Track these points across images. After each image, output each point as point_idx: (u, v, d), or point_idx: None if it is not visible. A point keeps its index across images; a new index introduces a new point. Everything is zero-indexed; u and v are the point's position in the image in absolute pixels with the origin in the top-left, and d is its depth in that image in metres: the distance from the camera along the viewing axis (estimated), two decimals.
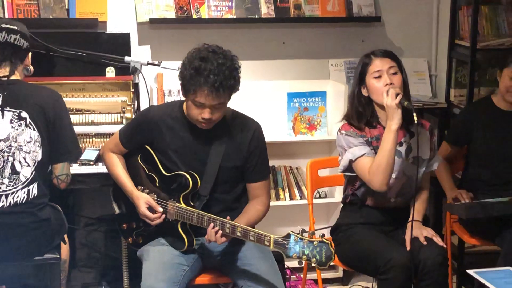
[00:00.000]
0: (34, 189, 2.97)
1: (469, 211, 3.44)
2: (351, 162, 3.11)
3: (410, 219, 3.14)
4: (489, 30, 4.16)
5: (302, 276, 3.83)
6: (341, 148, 3.17)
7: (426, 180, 3.30)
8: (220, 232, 2.79)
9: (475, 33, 4.02)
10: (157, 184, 3.05)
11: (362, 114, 3.16)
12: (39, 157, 2.98)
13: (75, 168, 3.38)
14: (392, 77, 3.08)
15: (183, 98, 3.03)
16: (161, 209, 2.97)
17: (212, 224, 2.80)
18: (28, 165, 2.96)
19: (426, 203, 3.30)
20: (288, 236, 2.61)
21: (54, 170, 3.08)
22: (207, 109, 2.84)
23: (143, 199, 3.00)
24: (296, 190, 4.16)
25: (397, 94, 2.99)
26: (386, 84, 3.06)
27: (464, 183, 3.77)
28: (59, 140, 3.04)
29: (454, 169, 3.85)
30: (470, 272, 3.07)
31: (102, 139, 3.64)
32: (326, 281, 3.91)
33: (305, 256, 2.57)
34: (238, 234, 2.75)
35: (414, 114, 2.96)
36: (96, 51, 3.84)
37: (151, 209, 2.98)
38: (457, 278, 4.07)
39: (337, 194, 4.12)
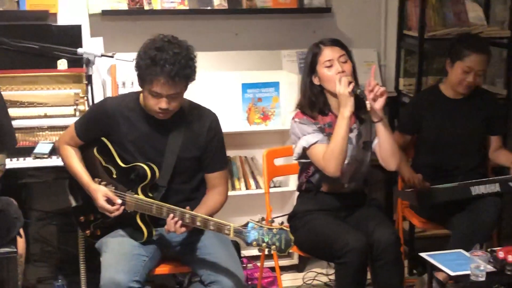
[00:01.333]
0: None
1: (419, 198, 3.53)
2: (305, 149, 3.16)
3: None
4: (436, 21, 4.25)
5: (258, 264, 3.88)
6: (295, 136, 3.22)
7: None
8: (180, 222, 2.81)
9: (423, 24, 4.11)
10: (114, 176, 3.04)
11: (314, 103, 3.21)
12: None
13: (28, 162, 3.36)
14: (343, 65, 3.14)
15: (137, 90, 3.03)
16: (119, 201, 2.97)
17: (171, 215, 2.82)
18: None
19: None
20: (247, 224, 2.64)
21: None
22: (164, 99, 2.85)
23: (100, 192, 2.99)
24: (251, 180, 4.19)
25: (349, 82, 3.06)
26: (338, 72, 3.12)
27: (414, 169, 3.85)
28: None
29: (406, 156, 3.93)
30: (423, 255, 3.17)
31: (56, 132, 3.61)
32: (282, 268, 3.95)
33: (265, 244, 2.61)
34: (198, 223, 2.78)
35: (367, 102, 3.02)
36: (47, 44, 3.79)
37: (109, 201, 2.98)
38: (409, 262, 4.17)
39: (291, 183, 4.17)
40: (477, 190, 3.50)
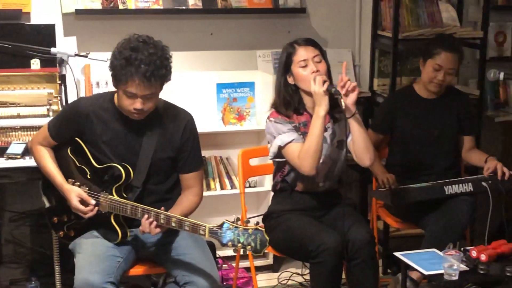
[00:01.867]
0: None
1: (393, 197, 3.55)
2: (280, 148, 3.17)
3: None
4: (410, 21, 4.29)
5: (233, 265, 3.88)
6: (270, 135, 3.22)
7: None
8: (155, 223, 2.80)
9: (397, 24, 4.14)
10: (88, 177, 3.02)
11: (289, 102, 3.22)
12: None
13: (1, 162, 3.32)
14: (318, 65, 3.16)
15: (111, 90, 3.01)
16: (93, 202, 2.95)
17: (146, 215, 2.81)
18: None
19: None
20: (222, 225, 2.64)
21: None
22: (139, 99, 2.83)
23: (74, 192, 2.97)
24: (226, 180, 4.19)
25: (324, 81, 3.07)
26: (313, 72, 3.13)
27: (388, 169, 3.88)
28: None
29: (379, 156, 3.95)
30: (397, 254, 3.20)
31: (29, 132, 3.58)
32: (257, 268, 3.95)
33: (240, 244, 2.61)
34: (173, 224, 2.77)
35: (342, 101, 3.04)
36: (20, 43, 3.76)
37: (83, 202, 2.96)
38: (383, 262, 4.20)
39: (267, 183, 4.18)
40: (450, 189, 3.54)
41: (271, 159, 3.27)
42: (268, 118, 3.24)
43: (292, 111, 3.22)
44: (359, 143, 3.15)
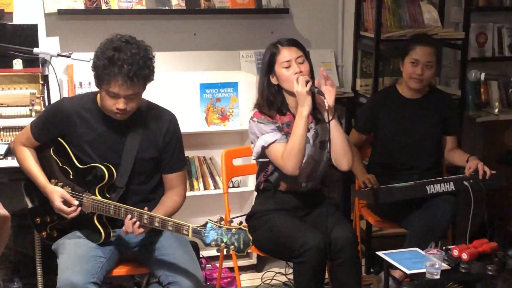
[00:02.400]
0: None
1: (376, 196, 3.57)
2: (263, 148, 3.18)
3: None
4: (392, 22, 4.31)
5: (217, 264, 3.88)
6: (253, 136, 3.23)
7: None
8: (138, 223, 2.80)
9: (379, 25, 4.15)
10: (71, 177, 3.01)
11: (272, 102, 3.23)
12: None
13: None
14: (301, 66, 3.17)
15: (94, 90, 3.01)
16: (76, 202, 2.94)
17: (129, 216, 2.80)
18: None
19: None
20: (206, 224, 2.64)
21: None
22: (121, 99, 2.83)
23: (57, 193, 2.96)
24: (210, 180, 4.19)
25: (307, 82, 3.08)
26: (296, 73, 3.14)
27: (370, 168, 3.90)
28: None
29: (362, 155, 3.97)
30: (380, 253, 3.22)
31: (11, 133, 3.58)
32: (240, 268, 3.95)
33: (223, 244, 2.61)
34: (157, 224, 2.77)
35: (326, 101, 3.05)
36: (3, 43, 3.74)
37: (66, 202, 2.95)
38: (366, 261, 4.22)
39: (250, 183, 4.19)
40: (432, 189, 3.56)
41: (254, 159, 3.28)
42: (251, 118, 3.25)
43: (275, 111, 3.23)
44: (337, 147, 3.18)
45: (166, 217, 2.77)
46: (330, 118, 3.11)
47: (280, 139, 3.16)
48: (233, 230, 2.61)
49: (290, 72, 3.16)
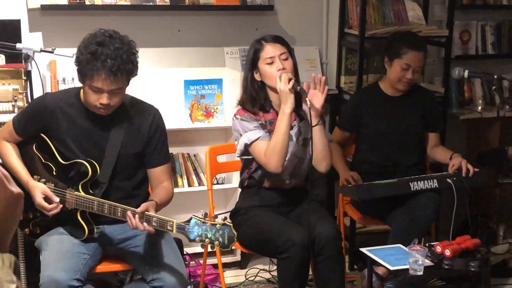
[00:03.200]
0: None
1: (360, 193, 3.58)
2: (246, 146, 3.18)
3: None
4: (377, 19, 4.33)
5: (201, 261, 3.87)
6: (236, 133, 3.23)
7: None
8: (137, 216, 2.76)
9: (363, 22, 4.16)
10: (54, 173, 3.00)
11: (255, 98, 3.23)
12: None
13: None
14: (284, 63, 3.17)
15: (77, 86, 2.99)
16: (57, 199, 2.92)
17: (129, 213, 2.76)
18: None
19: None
20: (190, 220, 2.63)
21: None
22: (105, 94, 2.81)
23: (39, 189, 2.94)
24: (194, 177, 4.18)
25: (289, 79, 3.08)
26: (279, 69, 3.15)
27: (354, 166, 3.92)
28: None
29: (345, 153, 3.98)
30: (363, 250, 3.23)
31: None
32: (224, 265, 3.95)
33: (208, 239, 2.60)
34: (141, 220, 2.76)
35: (307, 99, 3.06)
36: None
37: (47, 199, 2.93)
38: (349, 258, 4.23)
39: (235, 179, 4.18)
40: (416, 186, 3.57)
41: (238, 156, 3.28)
42: (234, 115, 3.25)
43: (258, 108, 3.23)
44: (318, 152, 3.19)
45: (150, 213, 2.75)
46: (315, 123, 3.12)
47: (263, 137, 3.16)
48: (218, 226, 2.60)
49: (273, 69, 3.16)
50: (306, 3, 4.53)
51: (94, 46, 2.78)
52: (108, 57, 2.75)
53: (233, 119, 3.25)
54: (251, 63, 3.22)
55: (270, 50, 3.18)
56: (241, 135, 3.19)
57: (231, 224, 2.62)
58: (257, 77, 3.22)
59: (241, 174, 3.39)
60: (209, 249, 2.69)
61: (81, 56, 2.81)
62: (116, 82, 2.79)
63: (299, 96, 3.15)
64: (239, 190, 3.46)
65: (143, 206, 2.76)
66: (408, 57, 3.70)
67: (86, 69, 2.79)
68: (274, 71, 3.15)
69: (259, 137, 3.15)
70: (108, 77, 2.76)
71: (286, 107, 3.08)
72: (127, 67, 2.80)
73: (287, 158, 3.17)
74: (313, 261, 3.17)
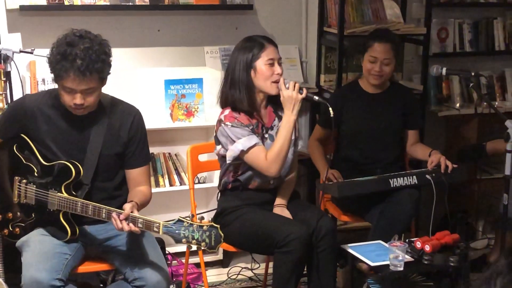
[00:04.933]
0: None
1: (340, 190, 3.60)
2: (243, 152, 3.16)
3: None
4: (355, 18, 4.35)
5: (183, 261, 3.88)
6: (225, 139, 3.20)
7: (295, 161, 3.42)
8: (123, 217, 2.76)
9: (342, 21, 4.18)
10: (35, 174, 2.99)
11: (251, 97, 3.21)
12: None
13: None
14: (280, 67, 3.21)
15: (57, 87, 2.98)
16: None
17: (114, 215, 2.76)
18: None
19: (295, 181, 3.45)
20: (177, 221, 2.63)
21: None
22: (78, 94, 2.81)
23: None
24: (175, 176, 4.19)
25: (301, 88, 3.14)
26: (278, 73, 3.18)
27: (335, 163, 3.93)
28: None
29: (326, 150, 4.00)
30: (344, 246, 3.26)
31: None
32: (206, 264, 3.95)
33: (194, 241, 2.59)
34: (127, 221, 2.75)
35: (330, 109, 3.12)
36: None
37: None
38: None
39: (215, 179, 4.18)
40: (395, 182, 3.60)
41: (230, 162, 3.24)
42: (222, 122, 3.20)
43: (252, 108, 3.22)
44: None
45: (136, 215, 2.74)
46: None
47: (258, 143, 3.17)
48: (205, 227, 2.59)
49: (272, 72, 3.18)
50: (285, 2, 4.55)
51: (63, 46, 2.79)
52: (77, 57, 2.75)
53: (222, 125, 3.20)
54: (250, 62, 3.20)
55: (272, 52, 3.20)
56: (233, 141, 3.16)
57: (218, 226, 2.61)
58: (252, 75, 3.21)
59: (222, 177, 3.37)
60: (195, 249, 2.68)
61: (51, 57, 2.82)
62: (85, 81, 2.79)
63: (278, 97, 3.17)
64: (218, 191, 3.46)
65: (127, 207, 2.76)
66: (374, 49, 3.76)
67: (56, 70, 2.80)
68: (272, 74, 3.18)
69: (256, 143, 3.16)
70: (77, 77, 2.76)
71: (293, 114, 3.14)
72: (96, 67, 2.79)
73: None
74: (310, 255, 3.18)
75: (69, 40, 2.80)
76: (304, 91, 3.14)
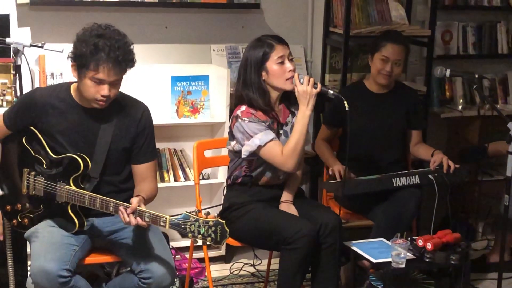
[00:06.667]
0: None
1: (344, 188, 3.64)
2: (260, 147, 3.18)
3: None
4: (361, 19, 4.38)
5: (186, 255, 3.92)
6: (241, 135, 3.21)
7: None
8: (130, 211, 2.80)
9: (348, 21, 4.22)
10: (44, 166, 3.02)
11: (264, 96, 3.24)
12: None
13: None
14: (292, 63, 3.23)
15: (66, 81, 3.01)
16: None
17: (121, 208, 2.79)
18: None
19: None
20: (183, 216, 2.66)
21: None
22: (106, 85, 2.85)
23: None
24: (180, 172, 4.22)
25: (315, 82, 3.16)
26: (290, 70, 3.20)
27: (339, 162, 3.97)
28: None
29: (331, 149, 4.04)
30: (347, 243, 3.30)
31: None
32: (209, 259, 3.98)
33: (200, 235, 2.62)
34: (134, 215, 2.78)
35: (346, 103, 3.16)
36: None
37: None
38: None
39: (220, 175, 4.23)
40: (398, 182, 3.63)
41: (245, 157, 3.25)
42: (239, 117, 3.21)
43: (267, 105, 3.25)
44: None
45: (143, 208, 2.78)
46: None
47: (275, 138, 3.20)
48: (211, 222, 2.62)
49: (284, 70, 3.20)
50: (292, 2, 4.59)
51: (95, 38, 2.82)
52: (111, 48, 2.80)
53: (239, 121, 3.21)
54: (260, 63, 3.21)
55: (281, 50, 3.22)
56: (250, 136, 3.18)
57: (224, 221, 2.64)
58: (264, 76, 3.24)
59: (232, 172, 3.39)
60: (201, 244, 2.71)
61: (83, 49, 2.82)
62: (119, 72, 2.86)
63: (292, 93, 3.21)
64: (225, 185, 3.49)
65: (134, 201, 2.80)
66: (387, 49, 3.79)
67: (89, 62, 2.81)
68: (285, 71, 3.20)
69: (272, 138, 3.19)
70: (113, 67, 2.82)
71: (308, 109, 3.15)
72: (129, 57, 2.87)
73: None
74: (315, 251, 3.20)
75: (99, 32, 2.84)
76: (319, 85, 3.16)
